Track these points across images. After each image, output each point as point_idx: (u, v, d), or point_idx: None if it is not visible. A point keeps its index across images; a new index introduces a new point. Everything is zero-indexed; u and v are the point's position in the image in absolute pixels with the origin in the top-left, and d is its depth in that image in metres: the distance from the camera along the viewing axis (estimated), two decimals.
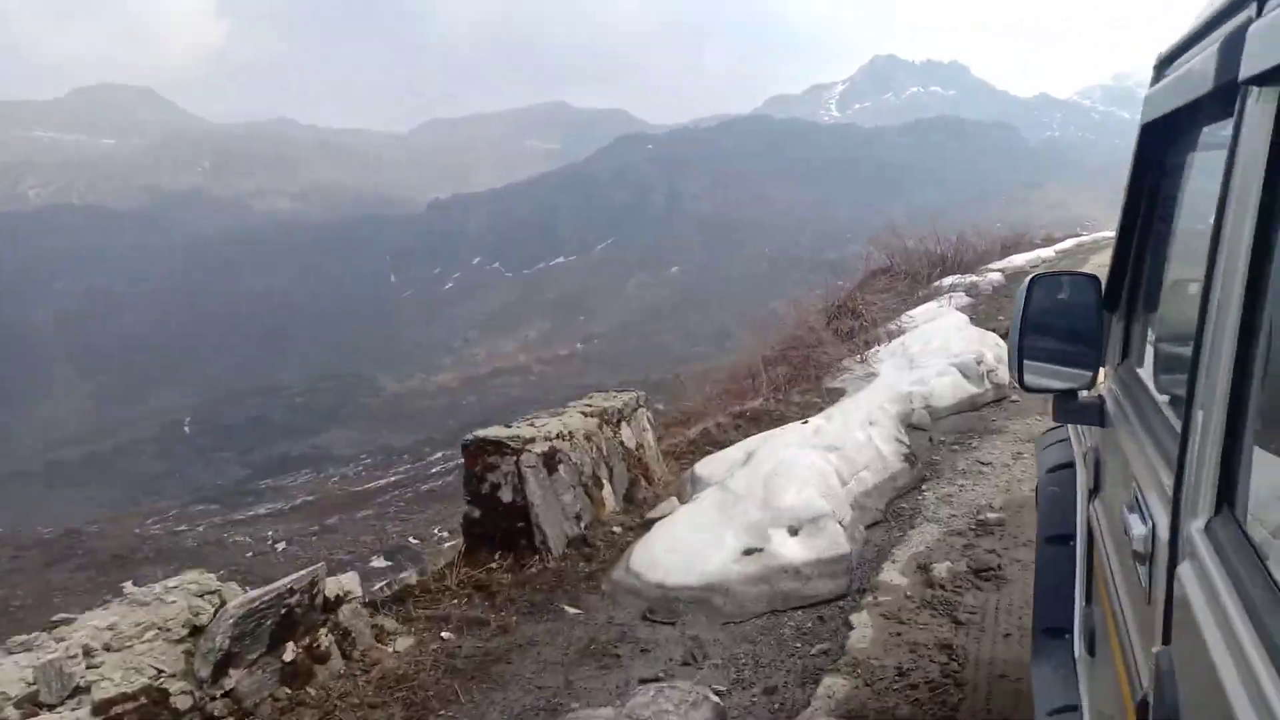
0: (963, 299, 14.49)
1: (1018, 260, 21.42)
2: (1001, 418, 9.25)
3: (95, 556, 36.77)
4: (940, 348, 10.20)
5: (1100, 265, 19.55)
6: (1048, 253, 24.37)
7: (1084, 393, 2.33)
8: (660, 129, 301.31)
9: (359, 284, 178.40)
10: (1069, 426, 3.12)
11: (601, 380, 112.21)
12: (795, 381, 10.79)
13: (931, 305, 13.69)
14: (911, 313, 13.01)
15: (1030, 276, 2.37)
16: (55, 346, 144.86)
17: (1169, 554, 1.37)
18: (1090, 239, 32.88)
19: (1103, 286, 2.35)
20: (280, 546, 43.18)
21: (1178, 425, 1.39)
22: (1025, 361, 2.26)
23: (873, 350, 11.02)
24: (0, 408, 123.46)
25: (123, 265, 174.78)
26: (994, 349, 10.24)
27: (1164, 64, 2.16)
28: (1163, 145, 2.26)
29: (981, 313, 13.73)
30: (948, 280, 16.87)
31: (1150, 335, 2.32)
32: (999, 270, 18.89)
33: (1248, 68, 1.17)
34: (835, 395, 9.86)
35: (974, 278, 17.11)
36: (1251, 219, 1.09)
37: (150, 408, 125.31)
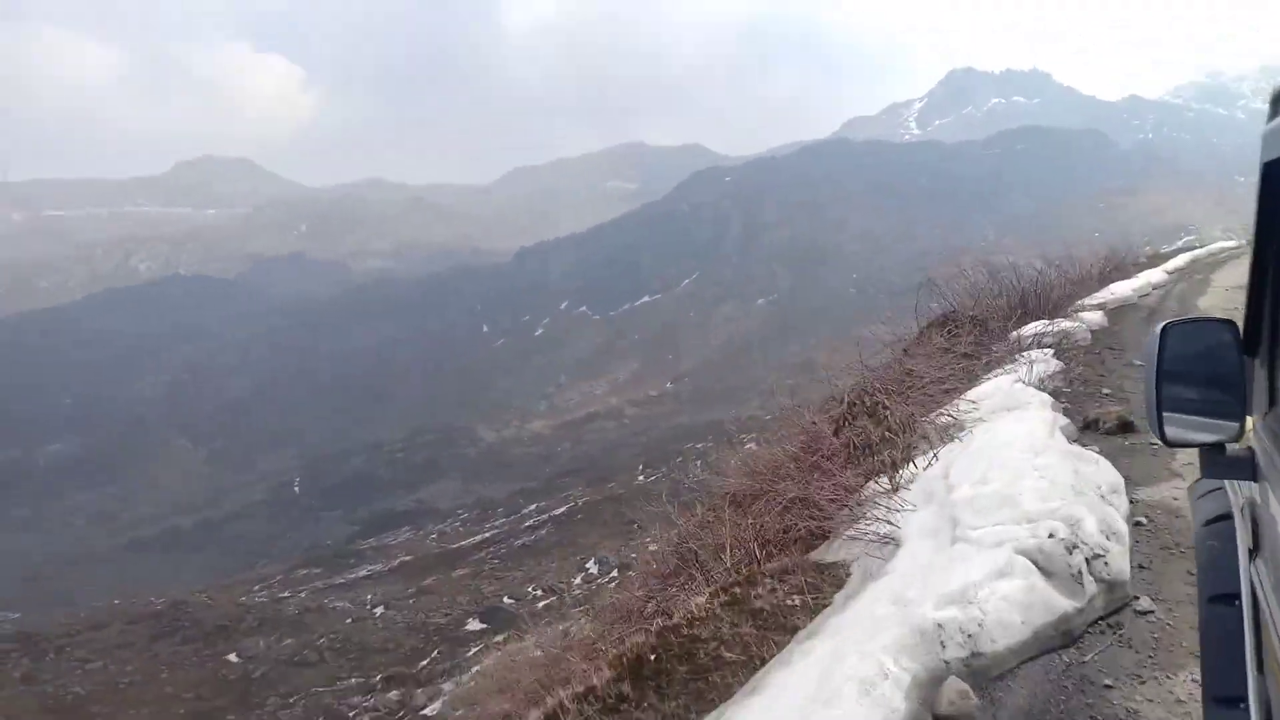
0: (1048, 363, 10.10)
1: (1122, 289, 17.45)
2: (1125, 670, 4.26)
3: (201, 628, 38.09)
4: (1001, 494, 5.43)
5: (1226, 287, 17.25)
6: (1157, 275, 20.04)
7: (1232, 445, 2.17)
8: (737, 160, 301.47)
9: (453, 336, 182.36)
10: None
11: (693, 420, 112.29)
12: (774, 551, 6.75)
13: (1003, 380, 8.98)
14: (974, 394, 8.50)
15: (1161, 325, 2.27)
16: (168, 416, 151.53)
17: None
18: (1205, 252, 29.39)
19: (1240, 330, 2.22)
20: (379, 611, 44.11)
21: None
22: (1165, 414, 2.15)
23: (907, 473, 6.72)
24: (118, 478, 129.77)
25: (228, 332, 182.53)
26: (1099, 500, 5.45)
27: None
28: None
29: (1077, 385, 9.96)
30: (1030, 329, 12.14)
31: None
32: (1098, 307, 15.31)
33: None
34: (833, 579, 5.78)
35: (1065, 323, 12.78)
36: None
37: (260, 471, 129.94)
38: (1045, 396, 8.47)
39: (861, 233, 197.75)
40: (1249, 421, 2.21)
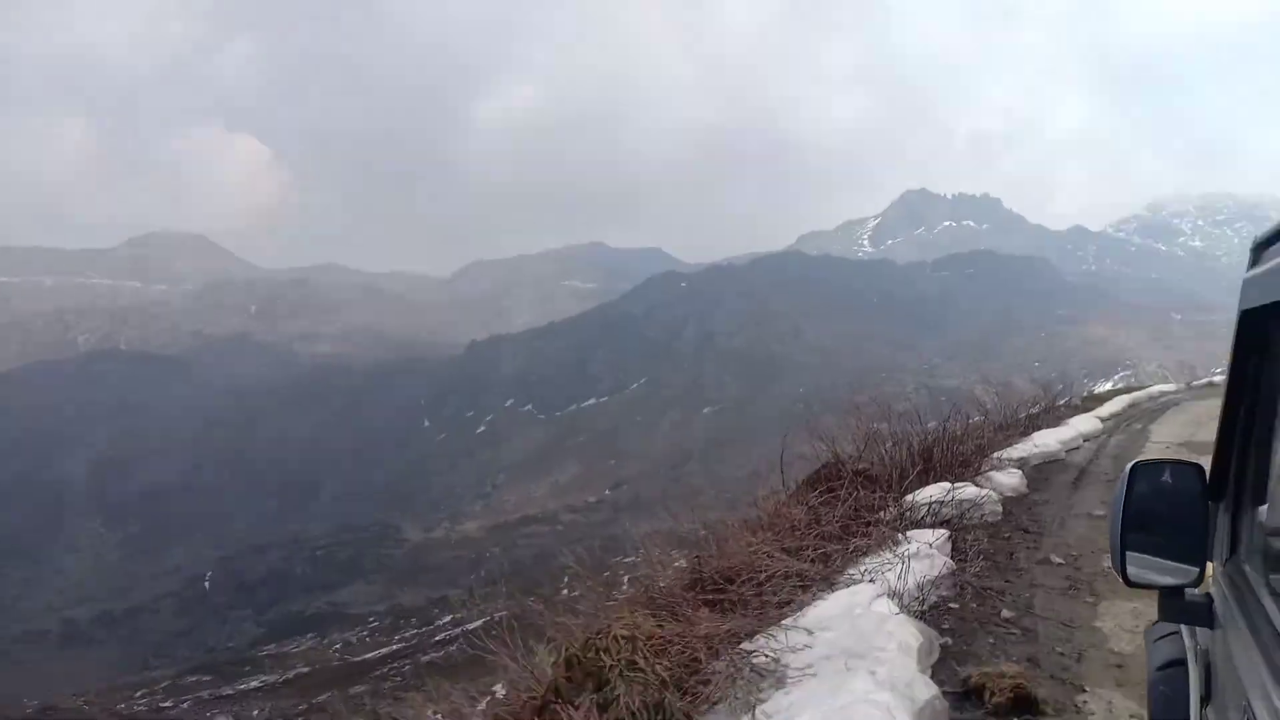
0: (934, 558, 7.19)
1: (1048, 440, 14.67)
2: None
3: None
4: None
5: (1167, 443, 15.32)
6: (1089, 423, 17.47)
7: (1191, 590, 2.24)
8: (695, 267, 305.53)
9: (393, 428, 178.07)
10: None
11: (629, 530, 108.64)
12: None
13: (862, 592, 5.95)
14: (815, 614, 5.57)
15: (1131, 464, 2.30)
16: (87, 497, 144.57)
17: None
18: (1144, 395, 27.89)
19: (1206, 475, 2.28)
20: None
21: None
22: (1128, 553, 2.19)
23: None
24: (21, 562, 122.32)
25: (159, 412, 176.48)
26: None
27: (1261, 247, 2.12)
28: (1265, 332, 2.14)
29: (968, 600, 7.04)
30: (928, 493, 9.08)
31: (1259, 530, 2.16)
32: (1018, 464, 12.41)
33: None
34: None
35: (972, 490, 9.75)
36: None
37: (174, 561, 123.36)
38: (911, 633, 5.45)
39: (812, 346, 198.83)
40: (1209, 567, 2.26)
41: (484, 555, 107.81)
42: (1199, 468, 2.25)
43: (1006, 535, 9.20)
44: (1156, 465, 2.30)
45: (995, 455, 12.62)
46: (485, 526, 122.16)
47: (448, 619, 63.47)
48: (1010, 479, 11.24)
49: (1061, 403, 22.63)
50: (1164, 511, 2.21)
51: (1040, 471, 13.07)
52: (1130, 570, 2.19)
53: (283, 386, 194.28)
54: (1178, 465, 2.28)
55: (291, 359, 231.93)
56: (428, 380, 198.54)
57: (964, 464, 11.47)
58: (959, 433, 13.08)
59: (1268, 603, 1.80)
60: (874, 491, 9.14)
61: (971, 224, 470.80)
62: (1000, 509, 9.90)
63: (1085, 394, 30.66)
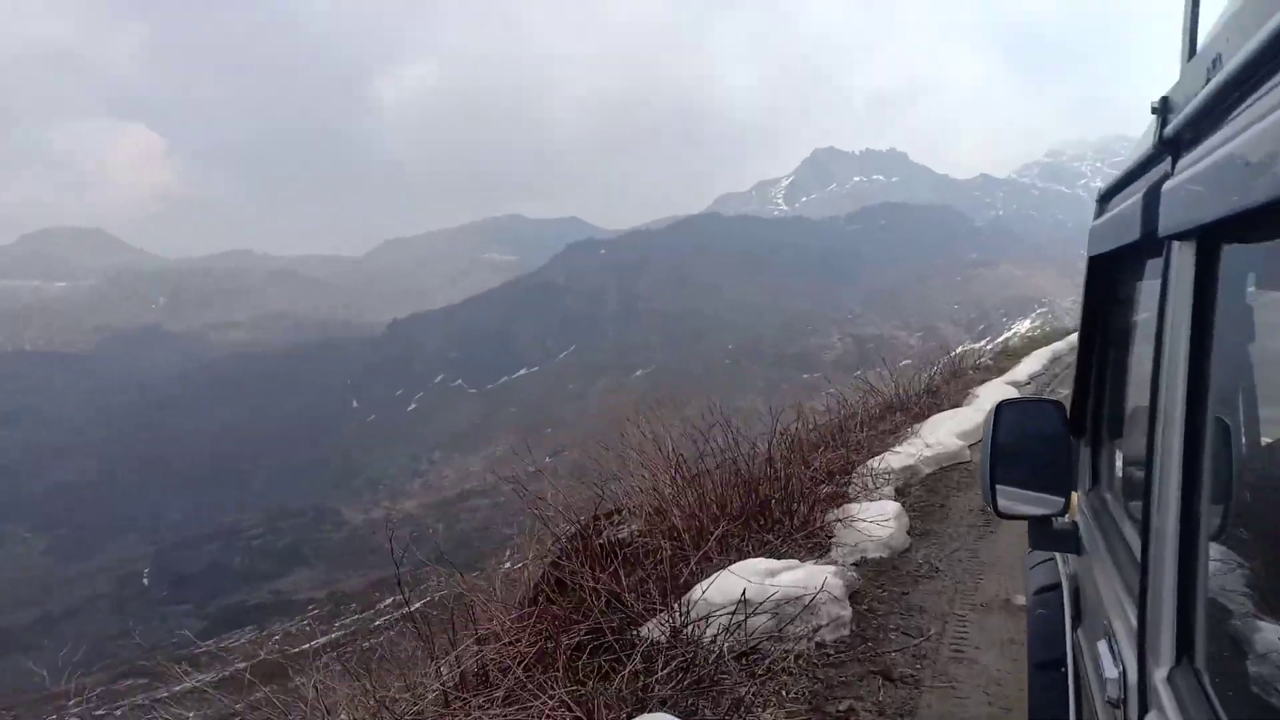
0: None
1: (946, 430, 10.58)
2: None
3: None
4: None
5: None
6: (1000, 392, 12.50)
7: (1059, 519, 2.35)
8: (614, 234, 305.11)
9: (321, 412, 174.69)
10: None
11: (571, 498, 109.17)
12: None
13: None
14: None
15: (996, 403, 2.37)
16: (1, 503, 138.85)
17: (1139, 702, 1.35)
18: (1066, 344, 22.43)
19: (1067, 411, 2.37)
20: None
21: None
22: (997, 486, 2.27)
23: None
24: None
25: (74, 411, 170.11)
26: None
27: (1104, 199, 2.26)
28: (1111, 277, 2.32)
29: None
30: (735, 577, 5.29)
31: (1118, 461, 2.34)
32: (898, 477, 8.97)
33: (1165, 224, 1.22)
34: None
35: (803, 572, 5.61)
36: (1184, 367, 1.13)
37: (107, 560, 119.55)
38: None
39: (735, 303, 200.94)
40: (1074, 498, 2.37)
41: (425, 533, 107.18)
42: (1060, 405, 2.35)
43: (855, 655, 5.08)
44: (1021, 404, 2.44)
45: (867, 464, 8.89)
46: (425, 504, 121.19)
47: (389, 601, 63.29)
48: (881, 525, 6.89)
49: (971, 365, 19.97)
50: (1030, 447, 2.30)
51: (933, 492, 8.85)
52: (1001, 503, 2.25)
53: (198, 377, 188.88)
54: (1041, 403, 2.40)
55: (205, 349, 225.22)
56: (350, 361, 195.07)
57: (815, 499, 7.56)
58: (817, 441, 9.84)
59: (1125, 528, 1.93)
60: (660, 564, 5.72)
61: (881, 178, 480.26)
62: (848, 611, 5.46)
63: (1001, 347, 28.69)
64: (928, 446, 9.78)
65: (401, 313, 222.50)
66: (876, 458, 9.18)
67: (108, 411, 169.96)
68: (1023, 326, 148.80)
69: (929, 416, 11.67)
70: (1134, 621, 1.46)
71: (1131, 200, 1.59)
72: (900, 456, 9.34)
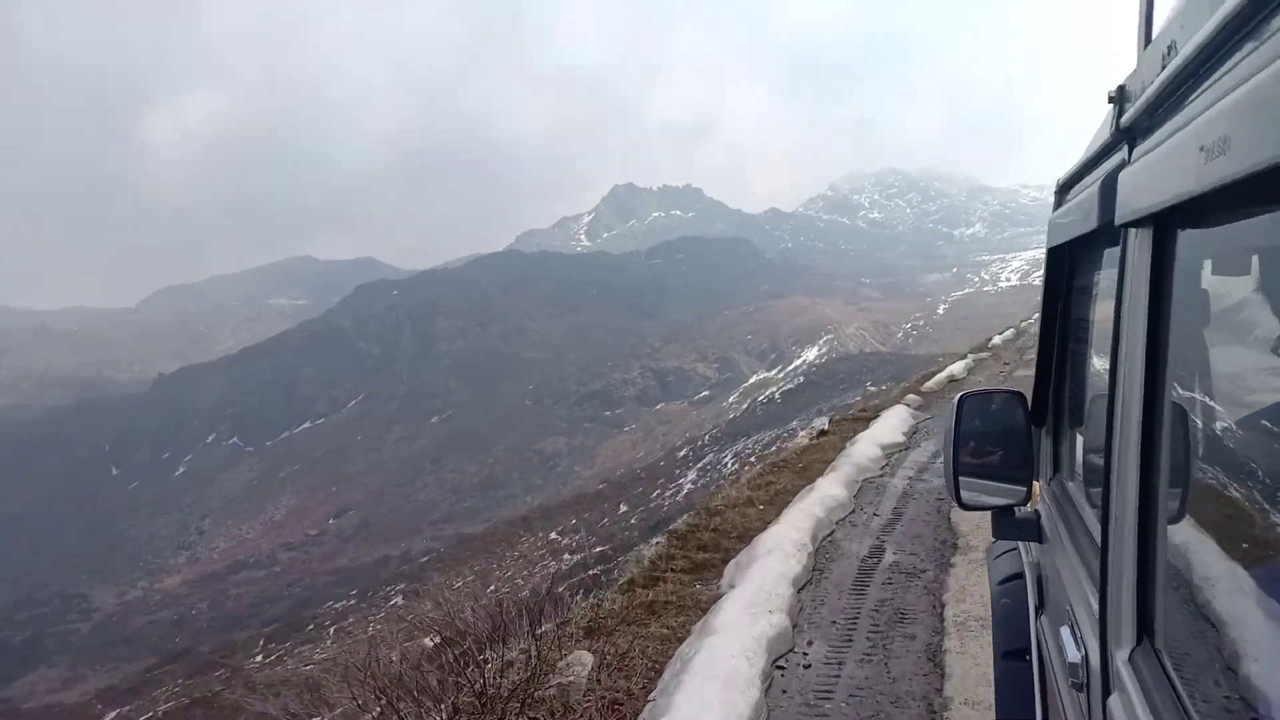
0: None
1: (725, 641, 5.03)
2: None
3: None
4: None
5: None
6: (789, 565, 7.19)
7: (1021, 508, 2.38)
8: (409, 272, 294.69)
9: (74, 482, 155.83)
10: None
11: (356, 560, 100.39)
12: None
13: None
14: None
15: (959, 395, 2.39)
16: None
17: (1101, 684, 1.38)
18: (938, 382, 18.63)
19: (1029, 402, 2.42)
20: None
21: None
22: (960, 478, 2.30)
23: None
24: None
25: None
26: None
27: (1063, 190, 2.27)
28: (1070, 268, 2.34)
29: None
30: None
31: (1079, 450, 2.33)
32: None
33: (1122, 211, 1.24)
34: None
35: None
36: (1141, 353, 1.15)
37: None
38: None
39: (537, 341, 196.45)
40: (1036, 487, 2.41)
41: (189, 614, 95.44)
42: (1022, 395, 2.37)
43: None
44: (984, 395, 2.43)
45: None
46: (190, 580, 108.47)
47: (113, 714, 53.56)
48: None
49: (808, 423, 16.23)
50: (992, 438, 2.32)
51: None
52: (964, 494, 2.29)
53: None
54: (1002, 394, 2.40)
55: None
56: (112, 423, 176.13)
57: None
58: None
59: (1087, 514, 1.94)
60: None
61: (678, 213, 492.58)
62: None
63: (795, 447, 14.76)
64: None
65: (176, 366, 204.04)
66: None
67: None
68: (811, 354, 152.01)
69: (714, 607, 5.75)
70: (1095, 606, 1.49)
71: (1089, 189, 1.60)
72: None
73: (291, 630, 55.51)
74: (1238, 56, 0.82)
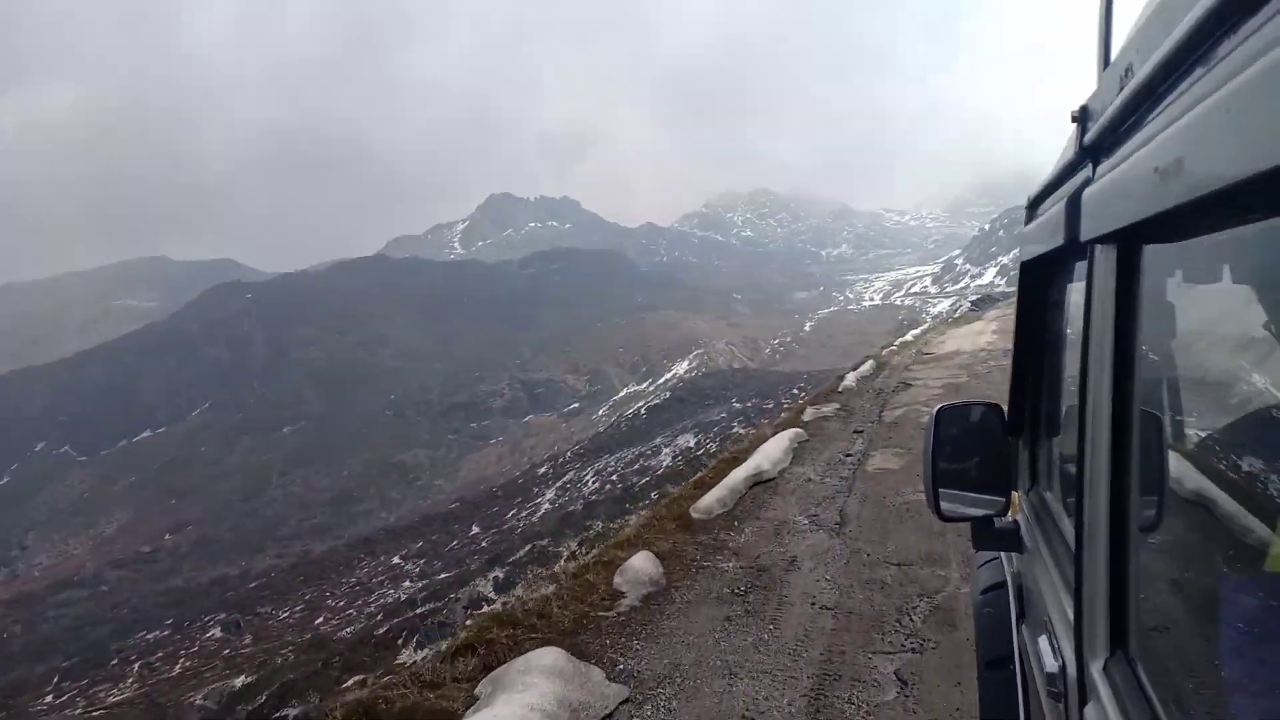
0: None
1: None
2: None
3: None
4: None
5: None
6: None
7: (1001, 519, 2.41)
8: (268, 276, 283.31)
9: None
10: None
11: (191, 580, 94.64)
12: None
13: None
14: None
15: (937, 408, 2.43)
16: None
17: (1079, 694, 1.39)
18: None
19: (1005, 413, 2.46)
20: None
21: None
22: (940, 490, 2.32)
23: None
24: None
25: None
26: None
27: (1033, 206, 2.30)
28: (1043, 281, 2.35)
29: None
30: None
31: (1055, 460, 2.37)
32: None
33: (1088, 228, 1.27)
34: None
35: None
36: (1110, 365, 1.18)
37: None
38: None
39: (400, 350, 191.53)
40: (1014, 497, 2.49)
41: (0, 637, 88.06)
42: (999, 407, 2.41)
43: None
44: (961, 408, 2.44)
45: None
46: (4, 600, 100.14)
47: None
48: None
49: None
50: (970, 449, 2.36)
51: None
52: (943, 506, 2.30)
53: None
54: (979, 406, 2.44)
55: None
56: None
57: None
58: None
59: (1063, 524, 1.95)
60: None
61: (555, 224, 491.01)
62: None
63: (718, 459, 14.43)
64: None
65: (8, 369, 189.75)
66: None
67: None
68: (681, 367, 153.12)
69: None
70: (1071, 615, 1.50)
71: (1056, 206, 1.64)
72: None
73: (91, 667, 51.36)
74: (1189, 81, 0.85)
